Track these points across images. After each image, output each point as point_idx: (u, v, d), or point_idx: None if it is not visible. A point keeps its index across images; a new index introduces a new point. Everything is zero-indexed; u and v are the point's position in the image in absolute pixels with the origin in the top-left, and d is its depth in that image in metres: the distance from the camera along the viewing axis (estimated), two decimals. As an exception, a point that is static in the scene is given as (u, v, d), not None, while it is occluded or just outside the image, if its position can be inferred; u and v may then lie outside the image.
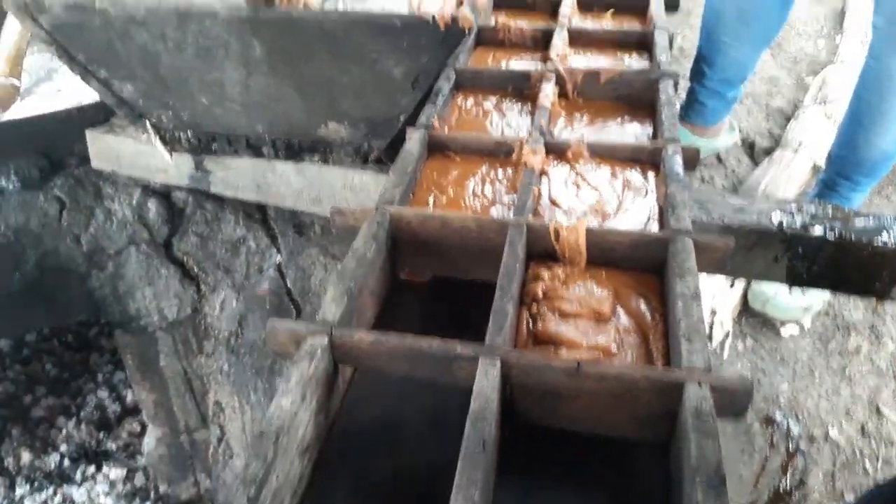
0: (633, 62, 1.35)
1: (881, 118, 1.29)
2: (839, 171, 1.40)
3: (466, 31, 1.03)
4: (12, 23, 1.95)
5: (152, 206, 1.50)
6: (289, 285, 1.52)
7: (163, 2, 1.22)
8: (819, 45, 2.13)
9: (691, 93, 1.56)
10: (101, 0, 1.11)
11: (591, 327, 0.69)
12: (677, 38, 2.17)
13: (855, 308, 1.45)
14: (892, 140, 1.31)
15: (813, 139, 1.65)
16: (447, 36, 1.03)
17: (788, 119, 1.82)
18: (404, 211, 0.89)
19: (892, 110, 1.28)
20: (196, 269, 1.48)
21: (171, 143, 1.32)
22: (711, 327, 1.47)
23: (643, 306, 0.74)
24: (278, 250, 1.48)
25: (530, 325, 0.70)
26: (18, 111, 1.80)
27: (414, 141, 1.06)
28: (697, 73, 1.54)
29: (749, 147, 1.75)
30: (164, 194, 1.52)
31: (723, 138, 1.64)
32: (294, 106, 1.19)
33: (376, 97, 1.15)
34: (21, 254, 1.46)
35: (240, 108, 1.21)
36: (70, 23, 1.14)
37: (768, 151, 1.72)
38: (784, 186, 1.56)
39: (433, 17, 1.01)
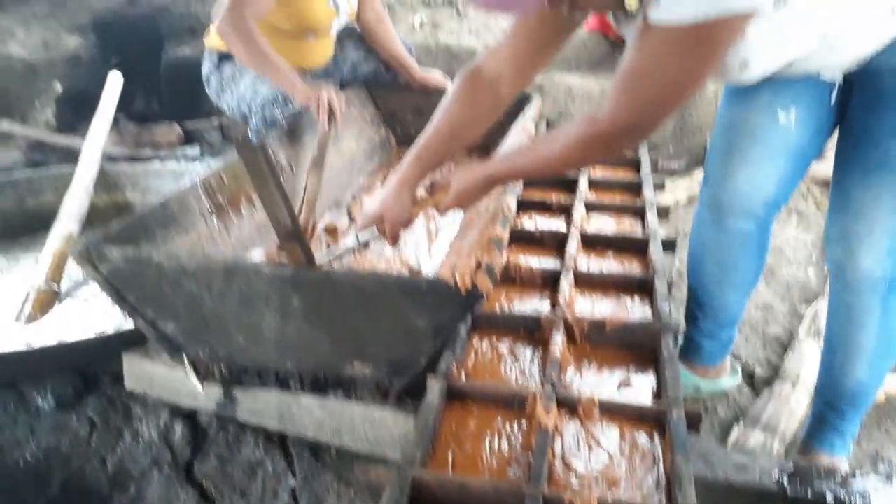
0: (636, 306, 1.46)
1: (852, 350, 1.37)
2: (825, 402, 1.46)
3: (484, 295, 1.15)
4: (58, 230, 2.12)
5: (178, 427, 1.56)
6: (301, 510, 1.53)
7: (213, 258, 1.36)
8: (809, 272, 2.27)
9: (687, 334, 1.66)
10: (158, 254, 1.25)
11: None
12: (675, 261, 2.32)
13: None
14: (865, 370, 1.38)
15: (809, 372, 1.72)
16: (467, 296, 1.14)
17: (785, 347, 1.91)
18: (425, 475, 0.95)
19: (860, 342, 1.35)
20: (213, 492, 1.51)
21: (204, 375, 1.41)
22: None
23: (654, 587, 0.78)
24: (293, 475, 1.51)
25: None
26: (55, 316, 1.91)
27: (434, 392, 1.14)
28: (690, 316, 1.64)
29: (749, 377, 1.82)
30: (189, 416, 1.59)
31: (724, 381, 1.71)
32: (324, 347, 1.29)
33: (401, 343, 1.25)
34: (48, 475, 1.50)
35: (273, 347, 1.31)
36: (126, 271, 1.27)
37: (768, 380, 1.79)
38: (785, 420, 1.62)
39: (455, 282, 1.12)
